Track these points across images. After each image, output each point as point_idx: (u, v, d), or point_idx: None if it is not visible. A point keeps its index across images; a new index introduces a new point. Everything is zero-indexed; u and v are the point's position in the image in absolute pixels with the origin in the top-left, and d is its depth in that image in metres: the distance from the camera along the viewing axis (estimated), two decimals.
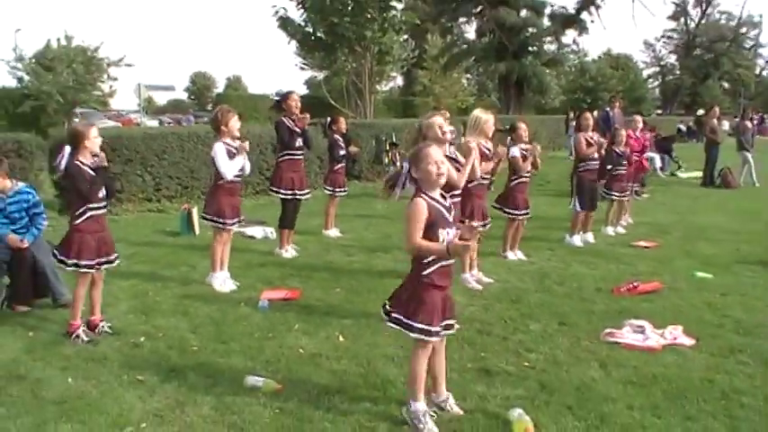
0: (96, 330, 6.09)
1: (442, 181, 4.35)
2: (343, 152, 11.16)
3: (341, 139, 11.24)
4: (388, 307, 4.41)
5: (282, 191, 9.14)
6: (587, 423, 4.45)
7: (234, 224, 7.73)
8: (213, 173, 7.64)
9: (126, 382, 5.06)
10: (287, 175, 9.14)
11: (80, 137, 5.93)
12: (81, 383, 5.05)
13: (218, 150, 7.50)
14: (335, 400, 4.74)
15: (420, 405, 4.37)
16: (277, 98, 9.61)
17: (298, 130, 9.12)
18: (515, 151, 8.83)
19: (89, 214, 5.94)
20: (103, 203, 6.09)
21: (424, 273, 4.28)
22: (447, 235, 4.25)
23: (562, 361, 5.55)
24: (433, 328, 4.25)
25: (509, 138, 8.97)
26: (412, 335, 4.27)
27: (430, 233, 4.20)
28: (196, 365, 5.38)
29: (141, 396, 4.83)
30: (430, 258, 4.25)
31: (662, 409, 4.67)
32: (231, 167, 7.49)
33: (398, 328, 4.30)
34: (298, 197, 9.29)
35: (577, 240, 10.21)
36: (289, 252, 9.38)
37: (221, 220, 7.57)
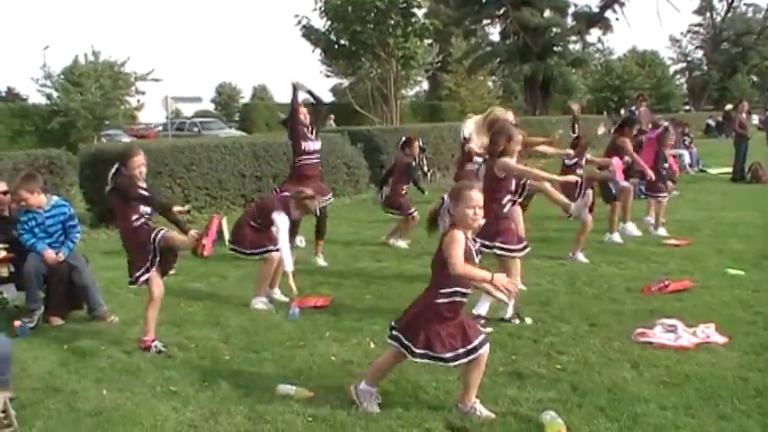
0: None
1: (476, 226, 4.45)
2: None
3: (413, 163, 10.97)
4: (396, 331, 4.55)
5: None
6: (620, 424, 4.43)
7: (252, 255, 7.57)
8: None
9: (160, 393, 5.13)
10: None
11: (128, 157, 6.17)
12: (116, 395, 5.12)
13: None
14: None
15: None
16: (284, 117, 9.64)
17: (311, 132, 9.31)
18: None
19: (143, 221, 6.20)
20: (149, 211, 6.35)
21: (437, 301, 4.38)
22: None
23: (593, 362, 5.53)
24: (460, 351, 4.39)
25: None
26: (449, 364, 4.41)
27: None
28: (229, 375, 5.43)
29: (175, 407, 4.88)
30: (449, 290, 4.33)
31: (695, 408, 4.64)
32: None
33: (428, 361, 4.45)
34: (323, 204, 9.35)
35: (617, 237, 10.22)
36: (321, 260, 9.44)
37: (240, 249, 7.61)
